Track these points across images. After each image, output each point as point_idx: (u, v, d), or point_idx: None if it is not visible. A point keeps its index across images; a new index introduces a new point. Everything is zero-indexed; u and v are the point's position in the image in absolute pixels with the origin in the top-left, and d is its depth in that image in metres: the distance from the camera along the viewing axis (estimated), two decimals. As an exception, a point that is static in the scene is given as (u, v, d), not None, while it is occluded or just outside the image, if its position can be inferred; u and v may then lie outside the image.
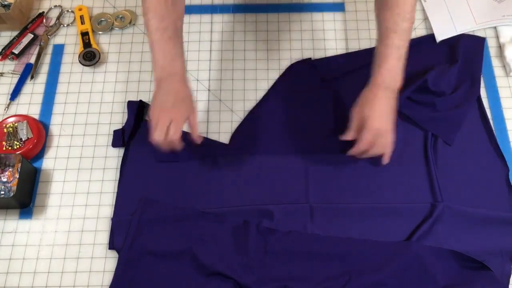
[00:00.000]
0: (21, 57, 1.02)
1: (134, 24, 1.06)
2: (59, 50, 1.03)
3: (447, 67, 0.95)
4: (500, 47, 1.00)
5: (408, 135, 0.92)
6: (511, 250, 0.82)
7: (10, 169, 0.88)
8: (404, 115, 0.93)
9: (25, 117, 0.93)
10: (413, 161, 0.90)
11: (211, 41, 1.04)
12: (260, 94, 0.97)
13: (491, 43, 1.01)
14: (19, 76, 1.00)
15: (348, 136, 0.82)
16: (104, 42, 1.04)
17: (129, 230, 0.84)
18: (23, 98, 0.98)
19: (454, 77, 0.95)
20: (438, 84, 0.92)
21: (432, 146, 0.90)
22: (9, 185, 0.87)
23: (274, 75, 0.99)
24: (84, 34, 1.03)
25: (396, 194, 0.87)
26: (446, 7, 1.03)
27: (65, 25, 1.06)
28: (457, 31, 1.00)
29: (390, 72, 0.79)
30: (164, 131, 0.76)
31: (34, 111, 0.97)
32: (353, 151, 0.82)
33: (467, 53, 0.98)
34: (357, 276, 0.80)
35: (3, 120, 0.93)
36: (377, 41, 0.82)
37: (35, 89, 0.99)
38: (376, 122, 0.78)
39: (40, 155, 0.93)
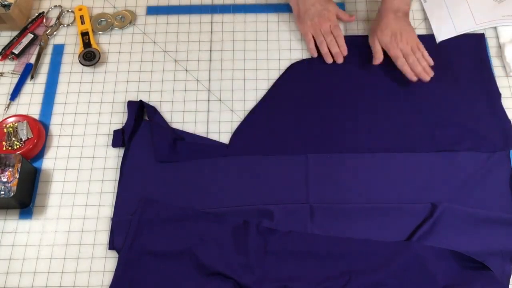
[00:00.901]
0: (21, 57, 1.02)
1: (134, 24, 1.06)
2: (59, 50, 1.03)
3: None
4: (500, 47, 1.00)
5: (409, 135, 0.92)
6: (511, 250, 0.82)
7: (10, 169, 0.88)
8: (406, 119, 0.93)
9: (25, 117, 0.93)
10: (414, 161, 0.89)
11: (211, 41, 1.04)
12: (260, 94, 0.97)
13: (491, 43, 1.01)
14: (19, 76, 1.00)
15: (378, 60, 0.94)
16: (104, 42, 1.04)
17: (129, 230, 0.84)
18: (23, 98, 0.98)
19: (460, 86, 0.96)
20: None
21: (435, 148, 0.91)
22: (9, 185, 0.87)
23: (274, 75, 0.99)
24: (84, 34, 1.03)
25: (397, 194, 0.87)
26: (446, 7, 1.03)
27: (65, 25, 1.06)
28: (457, 31, 1.00)
29: None
30: (329, 39, 0.96)
31: (34, 111, 0.97)
32: (413, 76, 0.92)
33: (470, 52, 0.99)
34: (357, 276, 0.80)
35: (3, 120, 0.93)
36: None
37: (35, 89, 0.99)
38: (400, 43, 0.92)
39: (40, 155, 0.93)
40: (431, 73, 0.92)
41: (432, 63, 0.93)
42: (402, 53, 0.92)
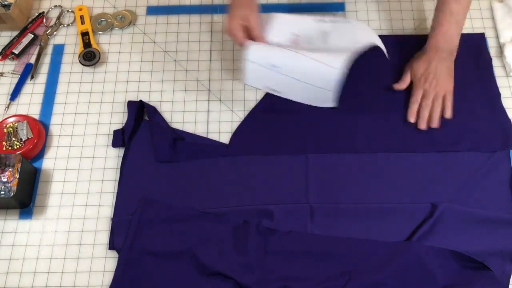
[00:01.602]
0: (21, 57, 1.02)
1: (134, 24, 1.06)
2: (59, 50, 1.03)
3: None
4: (500, 47, 1.00)
5: (409, 135, 0.92)
6: (511, 250, 0.82)
7: (10, 169, 0.88)
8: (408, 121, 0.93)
9: (25, 117, 0.93)
10: (414, 161, 0.89)
11: (211, 41, 1.04)
12: (260, 94, 0.97)
13: (491, 43, 1.01)
14: (19, 76, 1.00)
15: (399, 87, 0.92)
16: (104, 42, 1.04)
17: (129, 230, 0.84)
18: (23, 98, 0.98)
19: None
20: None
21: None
22: (9, 185, 0.87)
23: (274, 75, 0.99)
24: (84, 34, 1.03)
25: (397, 194, 0.87)
26: None
27: (65, 25, 1.06)
28: None
29: (445, 36, 0.88)
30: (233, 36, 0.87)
31: (34, 111, 0.97)
32: (412, 116, 0.90)
33: (470, 52, 0.99)
34: (357, 276, 0.80)
35: (3, 120, 0.93)
36: (435, 8, 0.91)
37: (35, 89, 0.99)
38: (427, 84, 0.89)
39: (40, 155, 0.93)
40: (435, 125, 0.89)
41: (449, 116, 0.89)
42: (423, 93, 0.90)
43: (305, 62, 0.85)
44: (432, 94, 0.90)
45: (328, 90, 0.87)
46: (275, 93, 0.86)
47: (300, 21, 0.93)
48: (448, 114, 0.89)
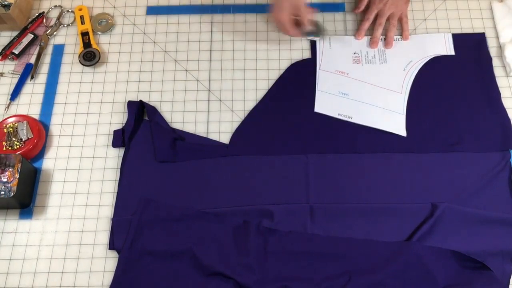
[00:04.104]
0: (21, 57, 1.02)
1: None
2: (59, 50, 1.03)
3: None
4: (500, 47, 1.00)
5: (409, 135, 0.92)
6: (511, 250, 0.82)
7: (10, 169, 0.88)
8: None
9: (25, 117, 0.93)
10: (414, 161, 0.89)
11: (211, 41, 1.04)
12: (260, 94, 0.97)
13: (491, 43, 1.01)
14: (19, 76, 1.00)
15: (360, 9, 0.98)
16: (104, 42, 1.04)
17: (129, 230, 0.84)
18: (23, 98, 0.98)
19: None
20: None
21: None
22: (9, 185, 0.87)
23: (274, 75, 0.99)
24: (84, 34, 1.03)
25: (397, 194, 0.87)
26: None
27: (65, 25, 1.06)
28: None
29: None
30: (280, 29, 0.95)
31: (34, 111, 0.97)
32: (359, 34, 0.96)
33: (470, 52, 0.99)
34: (357, 276, 0.80)
35: (3, 120, 0.93)
36: None
37: (35, 89, 0.99)
38: (389, 5, 0.91)
39: (40, 155, 0.93)
40: (389, 45, 0.94)
41: (407, 39, 0.94)
42: (377, 13, 0.94)
43: (370, 87, 0.94)
44: (387, 13, 0.92)
45: (398, 113, 0.92)
46: (346, 119, 0.91)
47: (358, 40, 1.00)
48: (406, 35, 0.94)
